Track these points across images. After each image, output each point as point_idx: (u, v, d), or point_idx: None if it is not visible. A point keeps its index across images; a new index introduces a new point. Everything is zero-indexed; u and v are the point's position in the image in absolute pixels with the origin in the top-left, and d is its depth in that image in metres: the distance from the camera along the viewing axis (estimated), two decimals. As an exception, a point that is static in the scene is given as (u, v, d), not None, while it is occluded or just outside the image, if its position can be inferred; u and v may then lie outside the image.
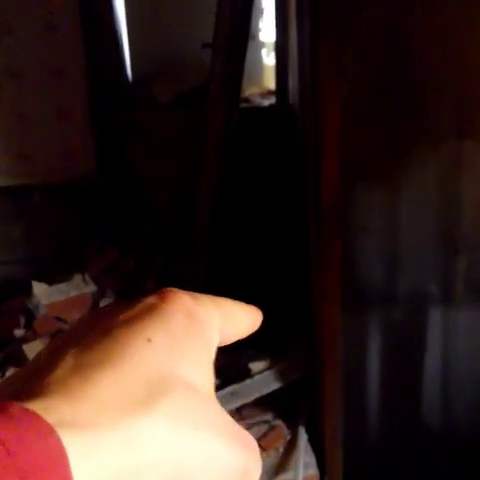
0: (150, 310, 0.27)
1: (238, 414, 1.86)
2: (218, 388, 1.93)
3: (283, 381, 1.92)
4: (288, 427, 1.82)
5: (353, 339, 1.74)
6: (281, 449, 1.76)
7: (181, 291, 0.29)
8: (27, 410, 0.21)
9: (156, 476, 0.23)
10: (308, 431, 1.81)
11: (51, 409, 0.22)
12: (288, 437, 1.79)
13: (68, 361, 0.25)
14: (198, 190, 2.36)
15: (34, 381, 0.24)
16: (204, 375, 0.27)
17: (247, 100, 2.99)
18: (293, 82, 2.57)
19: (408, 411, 1.86)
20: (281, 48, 2.79)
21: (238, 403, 1.87)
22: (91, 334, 0.26)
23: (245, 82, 2.96)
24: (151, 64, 3.01)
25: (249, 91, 3.05)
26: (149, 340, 0.25)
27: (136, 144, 2.88)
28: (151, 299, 0.28)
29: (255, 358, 1.98)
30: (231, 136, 2.17)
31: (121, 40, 2.98)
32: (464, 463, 1.89)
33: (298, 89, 2.17)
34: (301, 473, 1.67)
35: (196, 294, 0.29)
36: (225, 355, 2.08)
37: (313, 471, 1.72)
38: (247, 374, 1.95)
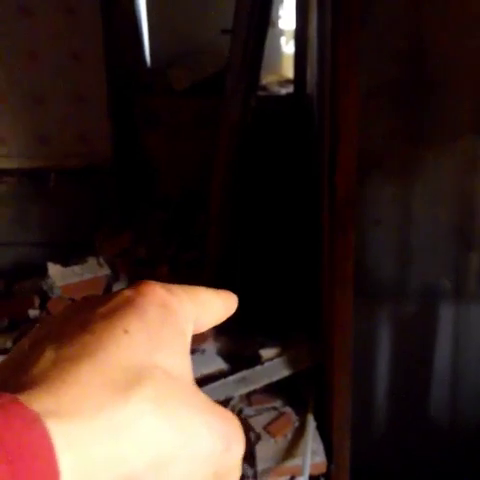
0: (126, 303, 0.28)
1: (247, 400, 1.88)
2: (228, 373, 1.94)
3: (293, 369, 1.92)
4: (297, 414, 1.83)
5: (364, 331, 1.75)
6: (289, 436, 1.77)
7: (155, 283, 0.29)
8: (15, 399, 0.22)
9: (141, 460, 0.24)
10: (316, 418, 1.82)
11: (36, 400, 0.23)
12: (296, 424, 1.80)
13: (48, 355, 0.25)
14: (212, 177, 2.37)
15: (18, 374, 0.25)
16: (181, 362, 0.27)
17: (265, 88, 2.99)
18: (311, 71, 2.56)
19: (417, 403, 1.87)
20: (301, 37, 2.78)
21: (248, 389, 1.88)
22: (69, 328, 0.27)
23: (263, 70, 2.96)
24: (169, 50, 3.01)
25: (267, 79, 3.04)
26: (126, 331, 0.26)
27: (151, 130, 2.89)
28: (127, 292, 0.29)
29: (266, 345, 1.99)
30: (248, 123, 2.17)
31: (140, 26, 2.98)
32: (473, 455, 1.89)
33: (316, 78, 2.17)
34: (309, 460, 1.68)
35: (170, 286, 0.30)
36: (236, 342, 2.10)
37: (320, 458, 1.73)
38: (257, 361, 1.96)
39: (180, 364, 0.27)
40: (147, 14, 3.01)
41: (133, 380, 0.25)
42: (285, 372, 1.91)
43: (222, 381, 1.90)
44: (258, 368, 1.93)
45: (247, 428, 1.78)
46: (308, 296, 2.12)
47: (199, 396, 0.27)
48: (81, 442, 0.23)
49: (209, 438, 0.26)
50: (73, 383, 0.24)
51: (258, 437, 1.74)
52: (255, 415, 1.82)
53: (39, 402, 0.23)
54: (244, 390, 1.87)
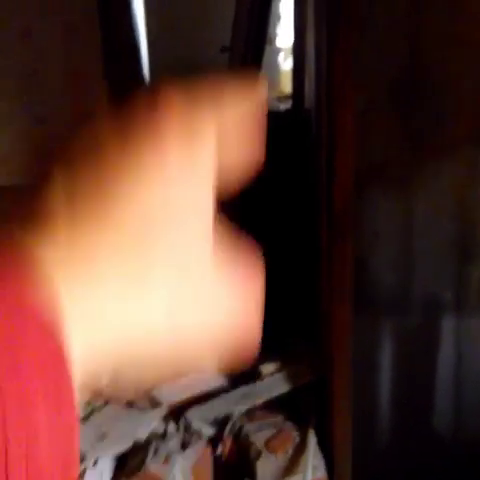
0: (146, 134, 0.25)
1: (247, 416, 1.87)
2: (228, 390, 1.93)
3: (293, 384, 1.92)
4: (297, 430, 1.82)
5: (365, 345, 1.74)
6: (290, 452, 1.75)
7: (176, 96, 0.26)
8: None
9: (153, 346, 0.23)
10: (318, 434, 1.81)
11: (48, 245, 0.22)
12: (297, 440, 1.79)
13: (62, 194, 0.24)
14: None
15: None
16: (202, 206, 0.26)
17: (263, 104, 3.01)
18: (309, 87, 2.58)
19: (419, 417, 1.85)
20: (298, 53, 2.80)
21: (248, 405, 1.87)
22: (86, 161, 0.25)
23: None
24: (168, 69, 3.03)
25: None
26: (144, 177, 0.24)
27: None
28: (144, 111, 0.26)
29: (265, 360, 1.98)
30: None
31: (139, 44, 3.01)
32: (476, 466, 1.87)
33: (314, 94, 2.18)
34: (310, 476, 1.67)
35: (190, 90, 0.27)
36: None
37: (322, 474, 1.72)
38: (257, 376, 1.95)
39: (199, 210, 0.26)
40: (146, 32, 3.05)
41: (148, 233, 0.23)
42: (285, 387, 1.90)
43: (222, 397, 1.89)
44: (258, 384, 1.92)
45: (247, 445, 1.77)
46: (308, 309, 2.12)
47: (217, 273, 0.26)
48: (94, 323, 0.22)
49: (223, 323, 0.26)
50: (94, 255, 0.23)
51: (259, 454, 1.73)
52: (256, 431, 1.81)
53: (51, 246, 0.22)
54: (244, 406, 1.86)
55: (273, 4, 3.07)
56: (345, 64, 1.47)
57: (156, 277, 0.23)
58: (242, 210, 2.41)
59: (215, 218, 0.27)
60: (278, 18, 3.18)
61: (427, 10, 1.48)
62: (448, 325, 1.72)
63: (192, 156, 0.25)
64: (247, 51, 2.13)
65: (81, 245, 0.22)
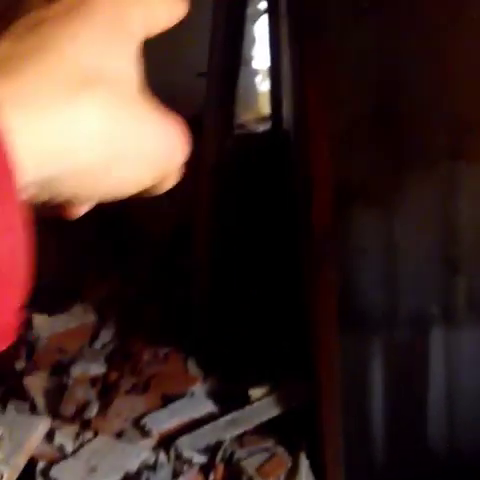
0: (76, 5, 0.27)
1: (238, 441, 1.85)
2: (218, 416, 1.92)
3: (283, 408, 1.91)
4: (289, 454, 1.81)
5: (354, 362, 1.74)
6: (282, 477, 1.74)
7: None
8: None
9: (90, 153, 0.25)
10: (309, 457, 1.80)
11: None
12: (289, 464, 1.77)
13: (5, 48, 0.26)
14: (195, 219, 2.38)
15: None
16: (131, 66, 0.28)
17: (242, 126, 3.02)
18: (287, 108, 2.60)
19: (412, 435, 1.84)
20: (275, 75, 2.83)
21: (239, 431, 1.86)
22: (20, 28, 0.27)
23: (240, 108, 2.99)
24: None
25: (244, 117, 3.08)
26: (75, 36, 0.26)
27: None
28: None
29: (254, 384, 1.97)
30: (224, 163, 2.20)
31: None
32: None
33: (292, 115, 2.20)
34: (303, 500, 1.66)
35: None
36: (225, 382, 2.08)
37: (315, 498, 1.71)
38: (246, 401, 1.94)
39: (130, 68, 0.28)
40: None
41: (85, 82, 0.25)
42: (275, 411, 1.89)
43: (212, 424, 1.88)
44: (247, 409, 1.91)
45: (239, 471, 1.75)
46: (297, 333, 2.11)
47: (148, 103, 0.28)
48: (35, 128, 0.23)
49: (155, 144, 0.27)
50: (30, 74, 0.24)
51: (251, 480, 1.72)
52: (247, 457, 1.79)
53: None
54: (235, 432, 1.85)
55: (249, 26, 3.10)
56: (319, 89, 1.48)
57: (88, 91, 0.25)
58: (224, 232, 2.41)
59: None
60: (254, 40, 3.21)
61: (405, 29, 1.50)
62: (437, 339, 1.72)
63: (119, 33, 0.28)
64: (222, 74, 2.14)
65: (27, 86, 0.24)
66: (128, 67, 0.28)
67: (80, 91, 0.25)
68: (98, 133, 0.25)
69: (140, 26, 0.30)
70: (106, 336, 2.35)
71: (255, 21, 3.16)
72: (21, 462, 1.71)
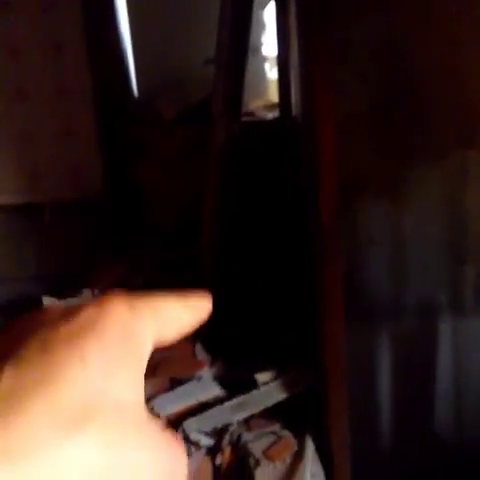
0: (88, 325, 0.28)
1: (246, 425, 1.87)
2: (225, 400, 1.94)
3: (289, 392, 1.92)
4: (296, 437, 1.83)
5: (362, 351, 1.74)
6: (288, 460, 1.76)
7: (119, 300, 0.30)
8: None
9: None
10: (315, 441, 1.81)
11: None
12: (295, 447, 1.79)
13: (7, 379, 0.26)
14: (203, 203, 2.39)
15: None
16: (134, 390, 0.28)
17: (251, 113, 3.02)
18: (296, 95, 2.59)
19: (419, 423, 1.85)
20: (283, 62, 2.82)
21: (245, 414, 1.88)
22: (30, 345, 0.27)
23: (249, 96, 3.00)
24: (156, 81, 3.05)
25: (253, 104, 3.08)
26: (83, 359, 0.27)
27: (142, 160, 2.92)
28: (91, 310, 0.29)
29: (262, 369, 1.99)
30: (232, 149, 2.20)
31: (126, 58, 3.03)
32: (476, 475, 1.87)
33: (300, 102, 2.19)
34: (308, 483, 1.68)
35: (134, 301, 0.30)
36: (232, 367, 2.10)
37: (320, 481, 1.73)
38: (254, 385, 1.96)
39: (134, 392, 0.28)
40: (132, 45, 3.06)
41: (82, 418, 0.25)
42: (282, 396, 1.91)
43: (219, 407, 1.90)
44: (254, 393, 1.92)
45: (246, 454, 1.77)
46: (304, 320, 2.12)
47: (147, 428, 0.28)
48: None
49: (153, 468, 0.27)
50: (24, 419, 0.24)
51: (257, 462, 1.73)
52: (254, 440, 1.81)
53: None
54: (241, 416, 1.87)
55: (258, 13, 3.09)
56: (324, 76, 1.48)
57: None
58: (235, 219, 2.43)
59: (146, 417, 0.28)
60: (263, 27, 3.20)
61: (409, 22, 1.49)
62: (445, 328, 1.73)
63: (126, 356, 0.28)
64: (231, 61, 2.15)
65: (19, 433, 0.24)
66: (133, 392, 0.28)
67: (78, 431, 0.25)
68: (93, 473, 0.25)
69: (151, 344, 0.30)
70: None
71: (264, 7, 3.15)
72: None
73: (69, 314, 0.29)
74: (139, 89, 3.11)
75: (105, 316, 0.29)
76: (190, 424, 1.85)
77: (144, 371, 0.30)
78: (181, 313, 0.33)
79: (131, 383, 0.28)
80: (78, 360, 0.26)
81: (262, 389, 1.94)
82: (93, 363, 0.27)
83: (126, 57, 3.02)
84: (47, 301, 2.42)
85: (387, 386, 1.78)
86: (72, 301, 2.45)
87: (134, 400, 0.28)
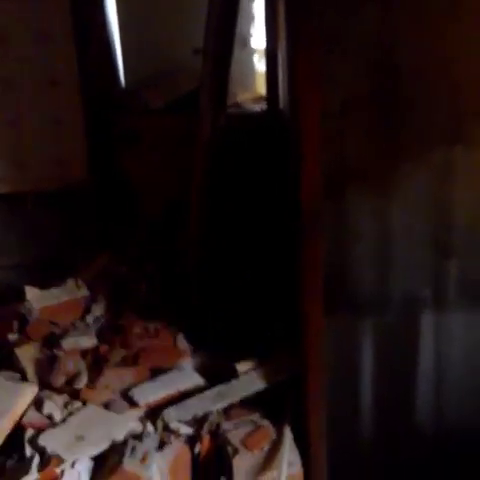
0: None
1: (225, 414, 1.88)
2: (206, 389, 1.95)
3: (269, 382, 1.93)
4: (274, 427, 1.84)
5: (345, 343, 1.76)
6: (266, 448, 1.77)
7: None
8: None
9: None
10: (294, 430, 1.82)
11: None
12: (274, 437, 1.80)
13: None
14: (189, 195, 2.39)
15: None
16: None
17: (239, 105, 3.02)
18: (283, 88, 2.60)
19: (399, 413, 1.87)
20: (271, 54, 2.82)
21: (225, 403, 1.89)
22: None
23: (237, 88, 2.99)
24: (144, 71, 3.04)
25: (241, 97, 3.08)
26: None
27: (129, 150, 2.91)
28: None
29: (241, 359, 2.00)
30: (218, 141, 2.20)
31: (114, 47, 3.02)
32: (458, 461, 1.89)
33: (287, 95, 2.20)
34: (285, 471, 1.69)
35: None
36: (213, 357, 2.10)
37: (297, 469, 1.74)
38: (233, 374, 1.96)
39: None
40: (120, 34, 3.05)
41: None
42: (261, 385, 1.92)
43: (199, 396, 1.90)
44: (234, 382, 1.93)
45: (225, 442, 1.78)
46: (284, 309, 2.13)
47: None
48: None
49: None
50: None
51: (236, 451, 1.74)
52: (233, 429, 1.82)
53: None
54: (221, 405, 1.88)
55: (247, 4, 3.09)
56: (310, 71, 1.48)
57: None
58: (221, 210, 2.43)
59: None
60: (252, 18, 3.19)
61: (405, 11, 1.50)
62: (427, 321, 1.74)
63: None
64: (218, 52, 2.15)
65: None
66: None
67: None
68: None
69: None
70: (98, 310, 2.37)
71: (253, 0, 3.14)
72: (7, 426, 1.73)
73: None
74: (127, 78, 3.10)
75: None
76: (170, 413, 1.85)
77: None
78: None
79: None
80: None
81: (242, 378, 1.95)
82: None
83: (114, 46, 3.01)
84: (29, 291, 2.41)
85: (368, 378, 1.80)
86: (55, 291, 2.45)
87: None
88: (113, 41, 3.00)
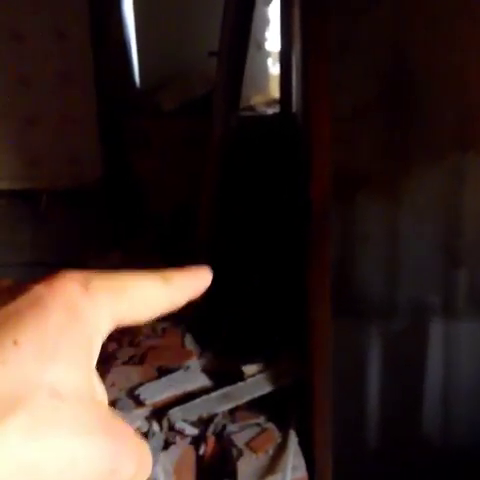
0: (31, 305, 0.26)
1: (231, 416, 1.89)
2: (212, 390, 1.95)
3: (275, 385, 1.93)
4: (279, 430, 1.84)
5: (352, 348, 1.75)
6: (271, 452, 1.77)
7: (72, 278, 0.28)
8: None
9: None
10: (299, 434, 1.82)
11: None
12: (279, 440, 1.80)
13: None
14: (200, 195, 2.40)
15: None
16: (77, 375, 0.26)
17: (252, 108, 3.03)
18: (297, 91, 2.60)
19: (406, 422, 1.86)
20: (285, 58, 2.83)
21: (230, 405, 1.89)
22: None
23: (251, 91, 3.00)
24: (158, 73, 3.06)
25: (255, 100, 3.09)
26: (15, 342, 0.25)
27: (141, 151, 2.93)
28: (39, 289, 0.27)
29: (248, 362, 2.00)
30: (230, 143, 2.21)
31: (130, 49, 3.04)
32: (465, 471, 1.88)
33: (300, 97, 2.20)
34: (289, 475, 1.68)
35: (91, 278, 0.28)
36: (220, 359, 2.11)
37: (302, 474, 1.74)
38: (240, 377, 1.97)
39: (76, 377, 0.26)
40: (136, 36, 3.07)
41: (9, 408, 0.23)
42: (267, 388, 1.92)
43: (205, 397, 1.91)
44: (240, 384, 1.94)
45: (230, 444, 1.79)
46: (292, 313, 2.14)
47: (91, 416, 0.25)
48: None
49: (94, 459, 0.25)
50: None
51: (240, 453, 1.75)
52: (238, 431, 1.82)
53: None
54: (227, 406, 1.88)
55: (263, 9, 3.10)
56: (322, 74, 1.48)
57: None
58: (232, 211, 2.43)
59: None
60: (267, 23, 3.20)
61: (415, 16, 1.49)
62: (436, 329, 1.73)
63: (70, 337, 0.26)
64: (231, 55, 2.15)
65: None
66: (76, 376, 0.26)
67: (4, 415, 0.23)
68: (18, 461, 0.23)
69: (103, 329, 0.28)
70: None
71: (269, 4, 3.15)
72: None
73: (15, 291, 0.27)
74: (141, 79, 3.12)
75: (52, 294, 0.27)
76: (176, 413, 1.86)
77: (95, 353, 0.27)
78: (154, 291, 0.30)
79: (74, 366, 0.26)
80: (11, 342, 0.25)
81: (248, 381, 1.95)
82: (27, 345, 0.25)
83: (130, 46, 3.03)
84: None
85: (375, 384, 1.79)
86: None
87: (76, 385, 0.26)
88: (129, 42, 3.02)
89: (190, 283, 0.32)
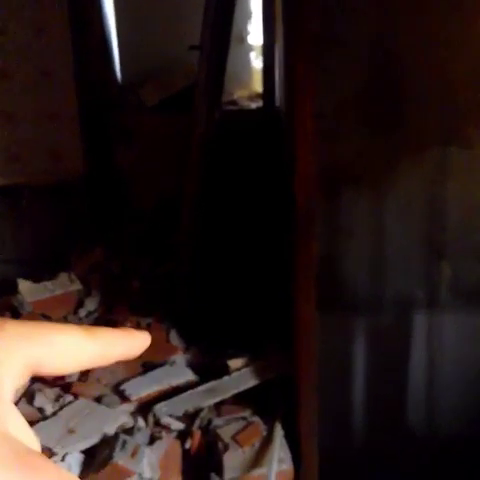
0: None
1: (216, 410, 1.88)
2: (197, 384, 1.95)
3: (260, 379, 1.94)
4: (265, 423, 1.84)
5: (337, 342, 1.76)
6: (257, 445, 1.77)
7: None
8: None
9: None
10: (285, 427, 1.83)
11: None
12: (265, 433, 1.81)
13: None
14: (183, 190, 2.39)
15: None
16: None
17: (235, 102, 3.03)
18: (280, 85, 2.60)
19: (391, 413, 1.87)
20: (268, 52, 2.83)
21: (216, 399, 1.89)
22: None
23: (234, 85, 3.00)
24: (140, 67, 3.04)
25: (237, 94, 3.08)
26: None
27: (123, 146, 2.91)
28: None
29: (233, 356, 2.00)
30: (213, 137, 2.20)
31: (110, 43, 3.01)
32: (450, 463, 1.90)
33: (283, 92, 2.20)
34: (275, 468, 1.69)
35: (5, 322, 0.29)
36: (206, 353, 2.11)
37: (288, 466, 1.74)
38: (226, 371, 1.97)
39: None
40: (117, 31, 3.05)
41: None
42: (252, 382, 1.92)
43: (190, 392, 1.91)
44: (226, 379, 1.94)
45: (216, 438, 1.79)
46: (277, 307, 2.14)
47: (4, 447, 0.25)
48: None
49: None
50: None
51: (226, 447, 1.75)
52: (224, 425, 1.82)
53: None
54: (212, 401, 1.88)
55: (244, 0, 3.09)
56: (306, 70, 1.48)
57: None
58: (215, 207, 2.43)
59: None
60: (250, 16, 3.19)
61: (402, 11, 1.50)
62: (420, 323, 1.74)
63: None
64: (212, 48, 2.15)
65: None
66: None
67: None
68: None
69: (17, 368, 0.28)
70: (90, 305, 2.37)
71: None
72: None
73: None
74: (123, 74, 3.10)
75: None
76: (161, 408, 1.86)
77: (6, 392, 0.28)
78: (77, 342, 0.31)
79: None
80: None
81: (233, 375, 1.95)
82: None
83: (110, 41, 3.01)
84: (22, 283, 2.41)
85: (360, 377, 1.80)
86: (48, 284, 2.45)
87: None
88: (110, 36, 3.00)
89: (121, 341, 0.32)
